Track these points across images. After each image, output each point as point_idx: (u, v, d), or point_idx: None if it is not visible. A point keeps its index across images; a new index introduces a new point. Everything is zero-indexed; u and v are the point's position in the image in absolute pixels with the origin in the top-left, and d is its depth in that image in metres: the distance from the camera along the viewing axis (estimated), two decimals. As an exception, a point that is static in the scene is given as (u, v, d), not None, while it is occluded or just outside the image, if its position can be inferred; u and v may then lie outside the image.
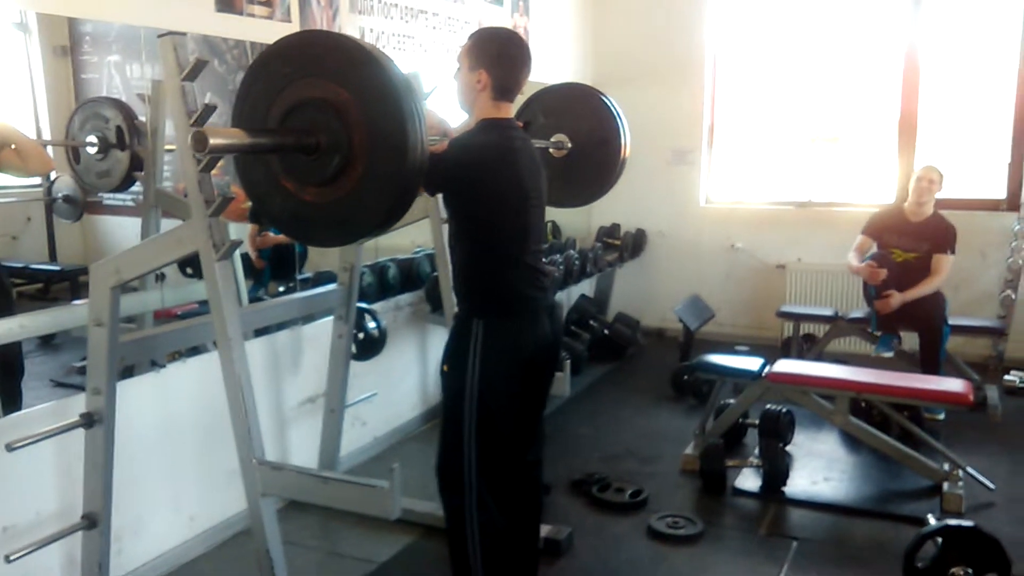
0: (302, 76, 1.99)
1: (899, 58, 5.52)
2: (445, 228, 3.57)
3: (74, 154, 3.77)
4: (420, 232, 3.81)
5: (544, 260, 2.56)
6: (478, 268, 2.39)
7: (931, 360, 4.27)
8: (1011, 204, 5.37)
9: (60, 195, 5.10)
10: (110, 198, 5.17)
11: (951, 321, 4.42)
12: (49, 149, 3.84)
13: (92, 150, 3.63)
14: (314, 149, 1.97)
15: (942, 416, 4.26)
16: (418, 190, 2.04)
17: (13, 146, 3.13)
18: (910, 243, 4.42)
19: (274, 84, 2.03)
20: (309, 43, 2.07)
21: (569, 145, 3.00)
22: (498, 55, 2.34)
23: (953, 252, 4.37)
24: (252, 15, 3.16)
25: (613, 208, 6.14)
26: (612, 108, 3.18)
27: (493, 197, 2.31)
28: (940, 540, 2.70)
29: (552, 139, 2.97)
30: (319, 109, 1.96)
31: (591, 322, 5.69)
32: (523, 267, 2.40)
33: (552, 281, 2.53)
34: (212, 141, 1.84)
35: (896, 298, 4.29)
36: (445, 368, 2.44)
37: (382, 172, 1.95)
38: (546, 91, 3.21)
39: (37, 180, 5.14)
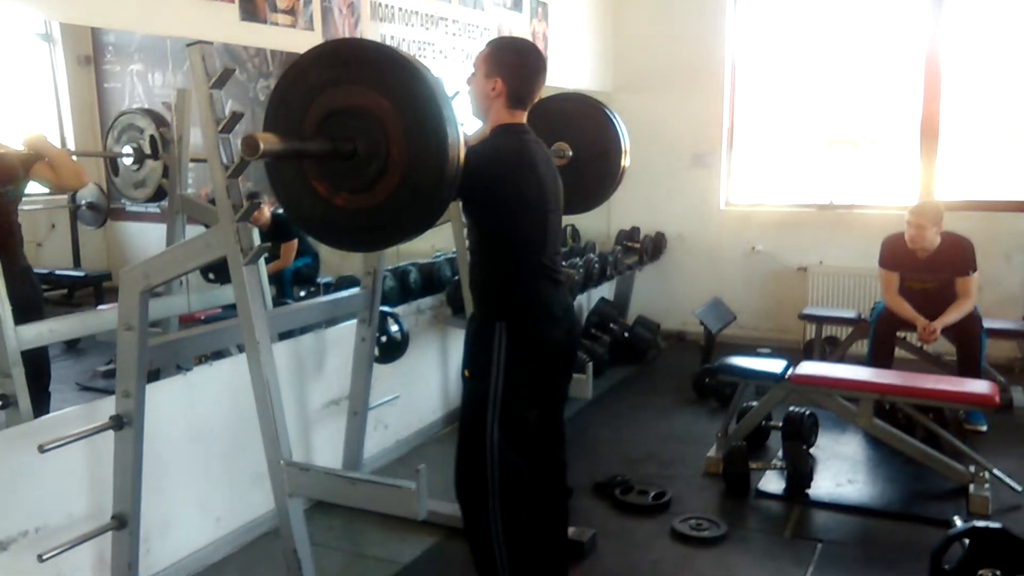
0: (341, 83, 1.99)
1: (920, 59, 5.48)
2: (467, 232, 3.60)
3: (112, 166, 3.84)
4: (441, 236, 3.83)
5: (563, 263, 2.60)
6: (500, 273, 2.41)
7: (971, 369, 4.17)
8: (1035, 205, 5.32)
9: (84, 202, 5.17)
10: (132, 204, 5.24)
11: (979, 324, 4.37)
12: (79, 159, 3.89)
13: (128, 161, 3.69)
14: (351, 155, 1.98)
15: (984, 428, 4.19)
16: (451, 201, 2.05)
17: (46, 159, 3.16)
18: (925, 275, 4.33)
19: (311, 91, 2.03)
20: (347, 50, 2.08)
21: (570, 153, 3.03)
22: (515, 64, 2.36)
23: (975, 269, 4.26)
24: (276, 24, 3.20)
25: (633, 211, 6.15)
26: (612, 118, 3.20)
27: (515, 202, 2.33)
28: (967, 542, 2.68)
29: (553, 147, 2.99)
30: (358, 117, 1.96)
31: (611, 325, 5.68)
32: (543, 271, 2.42)
33: (571, 284, 2.56)
34: (263, 147, 1.84)
35: (936, 330, 4.18)
36: (467, 373, 2.47)
37: (420, 183, 1.96)
38: (547, 100, 3.22)
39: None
